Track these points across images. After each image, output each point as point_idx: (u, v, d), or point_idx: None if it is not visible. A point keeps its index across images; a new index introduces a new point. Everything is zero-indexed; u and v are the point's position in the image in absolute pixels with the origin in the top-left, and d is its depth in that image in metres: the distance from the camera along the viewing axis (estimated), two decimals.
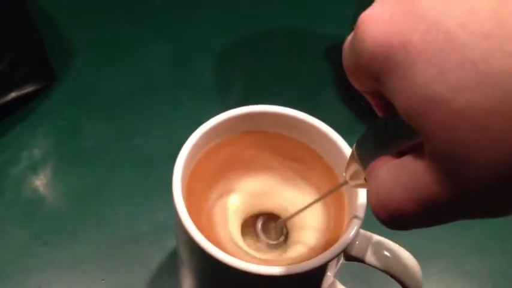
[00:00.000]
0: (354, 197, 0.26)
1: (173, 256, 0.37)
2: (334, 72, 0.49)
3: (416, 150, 0.16)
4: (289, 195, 0.29)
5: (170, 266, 0.37)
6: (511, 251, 0.40)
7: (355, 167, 0.21)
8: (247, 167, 0.30)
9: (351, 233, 0.25)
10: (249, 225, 0.29)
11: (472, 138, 0.14)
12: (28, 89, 0.44)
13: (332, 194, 0.27)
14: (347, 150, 0.27)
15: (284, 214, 0.29)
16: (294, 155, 0.30)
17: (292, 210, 0.28)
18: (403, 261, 0.27)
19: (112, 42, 0.50)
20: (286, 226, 0.29)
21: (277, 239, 0.29)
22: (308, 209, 0.27)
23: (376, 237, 0.27)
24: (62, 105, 0.45)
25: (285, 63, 0.50)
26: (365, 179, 0.19)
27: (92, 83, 0.47)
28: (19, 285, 0.36)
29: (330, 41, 0.51)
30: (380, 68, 0.16)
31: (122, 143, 0.43)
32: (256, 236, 0.29)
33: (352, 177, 0.22)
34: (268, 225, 0.29)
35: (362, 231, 0.27)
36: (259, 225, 0.29)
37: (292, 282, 0.25)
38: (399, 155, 0.17)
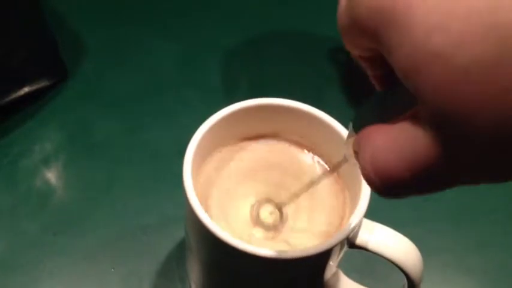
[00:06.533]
0: (357, 185, 0.27)
1: (181, 246, 0.38)
2: (337, 72, 0.50)
3: (412, 118, 0.15)
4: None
5: (178, 256, 0.38)
6: None
7: (353, 141, 0.20)
8: (256, 160, 0.31)
9: (355, 221, 0.26)
10: (255, 211, 0.29)
11: (473, 95, 0.13)
12: (40, 84, 0.45)
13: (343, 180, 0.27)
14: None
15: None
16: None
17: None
18: (405, 250, 0.27)
19: (122, 41, 0.51)
20: (282, 210, 0.29)
21: (275, 222, 0.28)
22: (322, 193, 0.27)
23: (380, 226, 0.28)
24: (73, 100, 0.46)
25: (290, 64, 0.51)
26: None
27: (102, 80, 0.48)
28: (31, 275, 0.37)
29: (333, 42, 0.52)
30: (378, 21, 0.15)
31: (130, 138, 0.44)
32: (262, 222, 0.29)
33: (351, 154, 0.21)
34: (268, 208, 0.29)
35: (366, 219, 0.27)
36: (259, 209, 0.29)
37: (296, 268, 0.26)
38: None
